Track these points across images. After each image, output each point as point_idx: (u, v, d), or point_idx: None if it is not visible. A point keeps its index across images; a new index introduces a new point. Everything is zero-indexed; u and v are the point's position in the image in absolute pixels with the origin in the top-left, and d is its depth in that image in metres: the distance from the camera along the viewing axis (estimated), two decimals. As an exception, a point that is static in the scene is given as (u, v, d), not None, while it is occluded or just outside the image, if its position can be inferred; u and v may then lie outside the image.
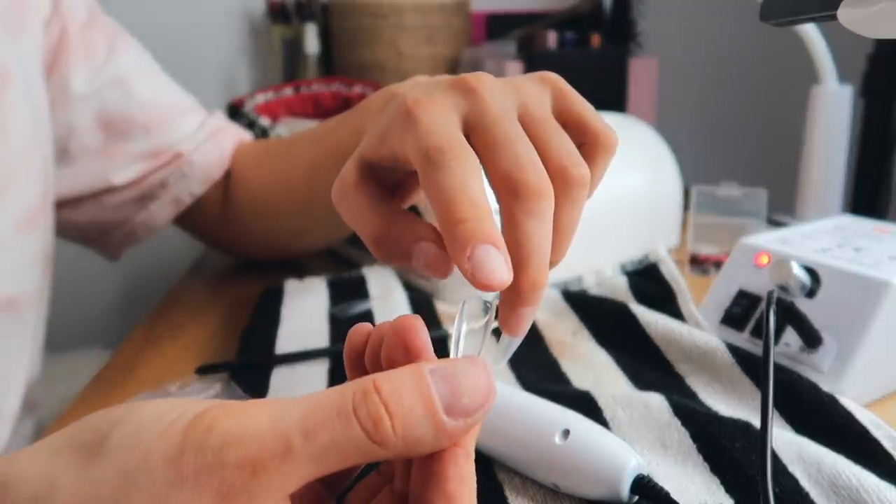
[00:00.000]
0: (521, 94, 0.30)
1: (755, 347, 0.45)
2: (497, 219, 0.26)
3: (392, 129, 0.29)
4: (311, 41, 1.15)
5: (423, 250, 0.28)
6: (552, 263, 0.29)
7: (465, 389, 0.21)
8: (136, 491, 0.18)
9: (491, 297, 0.27)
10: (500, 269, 0.24)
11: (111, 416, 0.20)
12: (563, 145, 0.29)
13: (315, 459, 0.19)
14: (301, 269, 0.68)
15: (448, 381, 0.21)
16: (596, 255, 0.63)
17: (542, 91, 0.31)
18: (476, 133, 0.29)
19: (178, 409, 0.20)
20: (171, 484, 0.18)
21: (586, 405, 0.40)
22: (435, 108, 0.28)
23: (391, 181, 0.32)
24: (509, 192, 0.27)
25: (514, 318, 0.27)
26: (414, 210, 0.29)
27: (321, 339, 0.50)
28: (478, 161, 0.27)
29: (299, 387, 0.44)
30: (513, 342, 0.29)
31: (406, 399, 0.20)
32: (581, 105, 0.31)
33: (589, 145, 0.31)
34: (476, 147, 0.29)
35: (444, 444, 0.21)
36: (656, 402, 0.39)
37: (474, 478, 0.22)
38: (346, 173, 0.31)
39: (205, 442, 0.19)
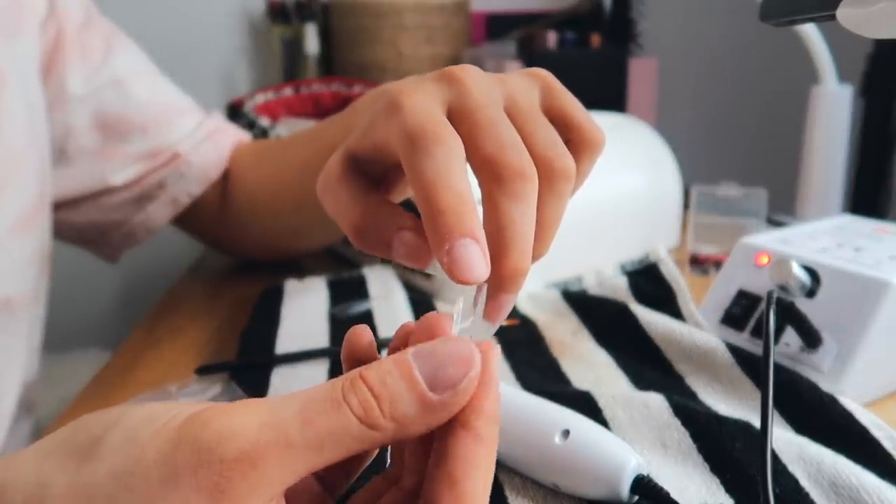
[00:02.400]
0: (507, 87, 0.30)
1: (755, 347, 0.45)
2: (481, 210, 0.26)
3: (377, 119, 0.29)
4: (311, 41, 1.15)
5: (403, 240, 0.28)
6: (534, 258, 0.28)
7: (446, 362, 0.21)
8: (130, 493, 0.18)
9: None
10: (478, 264, 0.24)
11: (105, 419, 0.20)
12: (549, 137, 0.29)
13: (313, 449, 0.19)
14: (301, 269, 0.68)
15: (428, 358, 0.21)
16: (596, 255, 0.63)
17: (531, 85, 0.31)
18: (459, 119, 0.28)
19: (172, 411, 0.20)
20: (165, 483, 0.18)
21: (586, 405, 0.40)
22: (419, 95, 0.28)
23: (377, 174, 0.32)
24: (491, 175, 0.27)
25: (494, 305, 0.27)
26: (412, 208, 0.29)
27: (321, 339, 0.50)
28: (461, 145, 0.27)
29: (299, 387, 0.44)
30: (489, 329, 0.28)
31: (390, 382, 0.21)
32: (569, 101, 0.31)
33: (575, 142, 0.31)
34: (459, 133, 0.28)
35: (436, 420, 0.21)
36: (656, 402, 0.39)
37: (490, 468, 0.22)
38: (331, 165, 0.31)
39: (200, 438, 0.19)
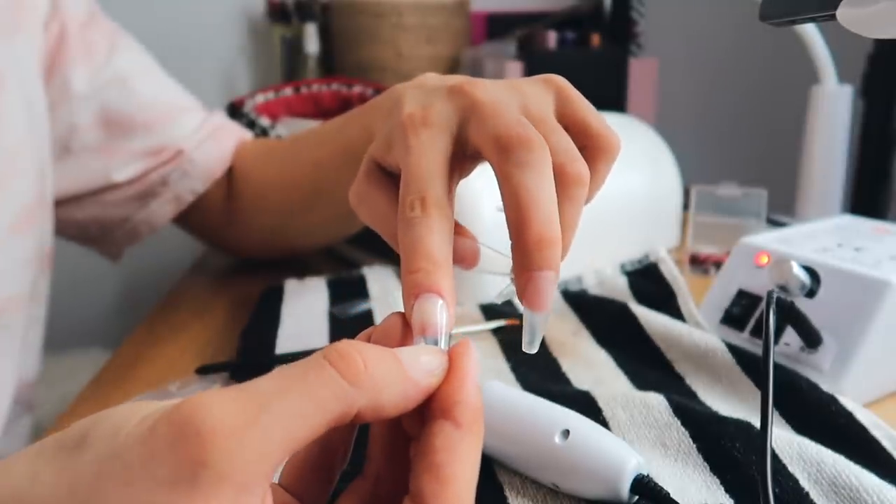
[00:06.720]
0: (521, 95, 0.30)
1: (755, 347, 0.45)
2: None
3: (393, 140, 0.30)
4: (311, 41, 1.15)
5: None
6: None
7: (423, 353, 0.23)
8: (111, 477, 0.18)
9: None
10: (433, 313, 0.25)
11: (95, 417, 0.20)
12: (562, 144, 0.29)
13: (293, 414, 0.19)
14: (301, 269, 0.68)
15: (407, 350, 0.23)
16: (596, 255, 0.63)
17: (545, 93, 0.31)
18: (471, 122, 0.29)
19: (159, 405, 0.20)
20: (144, 463, 0.18)
21: (586, 405, 0.40)
22: (426, 131, 0.29)
23: None
24: (499, 150, 0.27)
25: (531, 286, 0.26)
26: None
27: (321, 339, 0.50)
28: (448, 216, 0.27)
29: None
30: (535, 320, 0.26)
31: (373, 349, 0.21)
32: (584, 108, 0.31)
33: (590, 148, 0.31)
34: (471, 134, 0.29)
35: (413, 394, 0.22)
36: (656, 402, 0.39)
37: (473, 457, 0.22)
38: (360, 178, 0.32)
39: (176, 414, 0.18)
